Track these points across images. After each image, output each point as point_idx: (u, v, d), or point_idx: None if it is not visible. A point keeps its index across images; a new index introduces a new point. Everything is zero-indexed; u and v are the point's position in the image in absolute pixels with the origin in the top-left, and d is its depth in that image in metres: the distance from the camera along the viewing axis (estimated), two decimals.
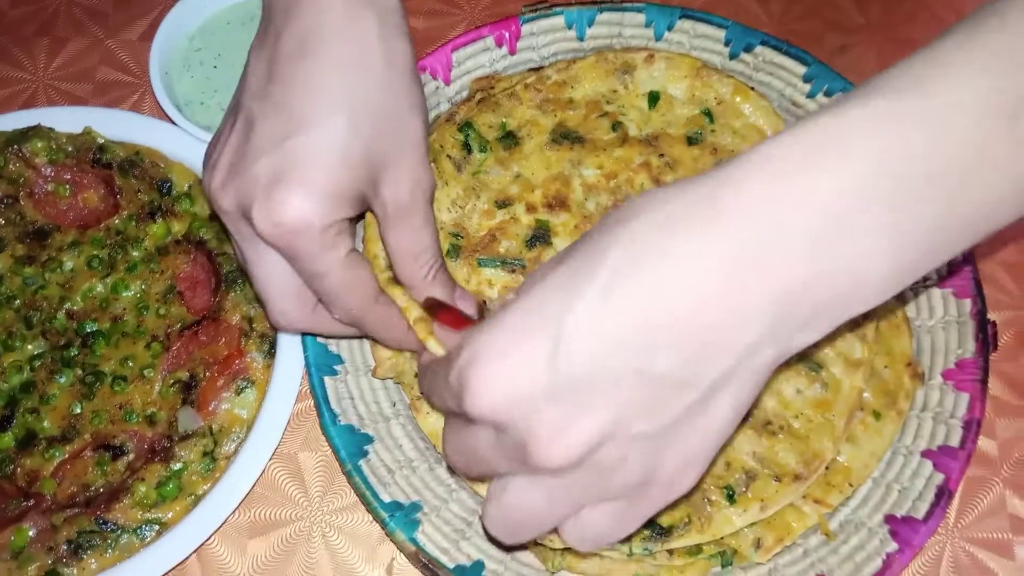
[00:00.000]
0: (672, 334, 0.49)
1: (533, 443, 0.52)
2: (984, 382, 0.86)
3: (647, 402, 0.51)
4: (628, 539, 0.77)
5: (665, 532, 0.77)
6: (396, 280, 0.79)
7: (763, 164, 0.49)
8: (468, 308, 0.77)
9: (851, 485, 0.83)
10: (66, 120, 0.99)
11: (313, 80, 0.65)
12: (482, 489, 0.82)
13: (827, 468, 0.82)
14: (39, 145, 0.96)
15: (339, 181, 0.65)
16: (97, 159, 0.97)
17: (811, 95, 0.99)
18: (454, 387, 0.55)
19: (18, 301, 0.92)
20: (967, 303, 0.89)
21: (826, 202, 0.47)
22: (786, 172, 0.48)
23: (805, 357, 0.85)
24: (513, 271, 0.88)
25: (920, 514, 0.82)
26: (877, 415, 0.85)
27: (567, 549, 0.79)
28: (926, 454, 0.85)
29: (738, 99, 0.96)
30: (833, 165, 0.48)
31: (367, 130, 0.66)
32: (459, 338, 0.66)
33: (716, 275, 0.48)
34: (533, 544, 0.80)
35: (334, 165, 0.65)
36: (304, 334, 0.87)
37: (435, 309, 0.74)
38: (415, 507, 0.82)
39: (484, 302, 0.86)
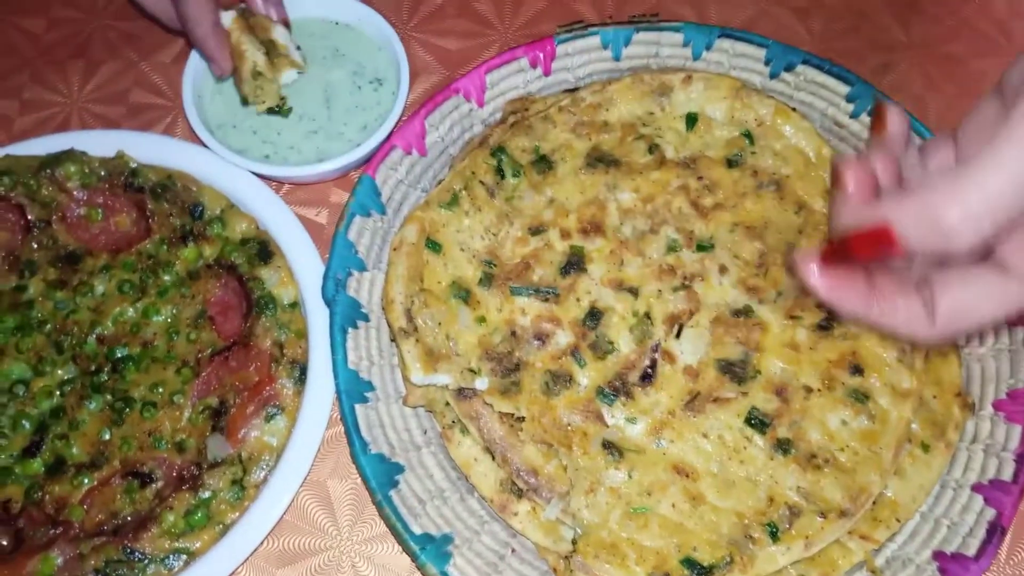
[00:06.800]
0: None
1: None
2: None
3: None
4: None
5: (706, 572, 0.74)
6: (411, 323, 0.82)
7: None
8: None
9: (898, 520, 0.80)
10: (99, 144, 0.99)
11: None
12: (514, 521, 0.80)
13: (874, 502, 0.79)
14: (72, 169, 0.96)
15: None
16: (130, 183, 0.96)
17: (854, 115, 0.97)
18: None
19: (49, 326, 0.91)
20: (1020, 331, 0.86)
21: None
22: None
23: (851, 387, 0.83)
24: (546, 299, 0.87)
25: (971, 551, 0.78)
26: (925, 447, 0.82)
27: None
28: (977, 488, 0.82)
29: (779, 120, 0.94)
30: None
31: None
32: None
33: None
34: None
35: None
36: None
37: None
38: (446, 539, 0.80)
39: None
